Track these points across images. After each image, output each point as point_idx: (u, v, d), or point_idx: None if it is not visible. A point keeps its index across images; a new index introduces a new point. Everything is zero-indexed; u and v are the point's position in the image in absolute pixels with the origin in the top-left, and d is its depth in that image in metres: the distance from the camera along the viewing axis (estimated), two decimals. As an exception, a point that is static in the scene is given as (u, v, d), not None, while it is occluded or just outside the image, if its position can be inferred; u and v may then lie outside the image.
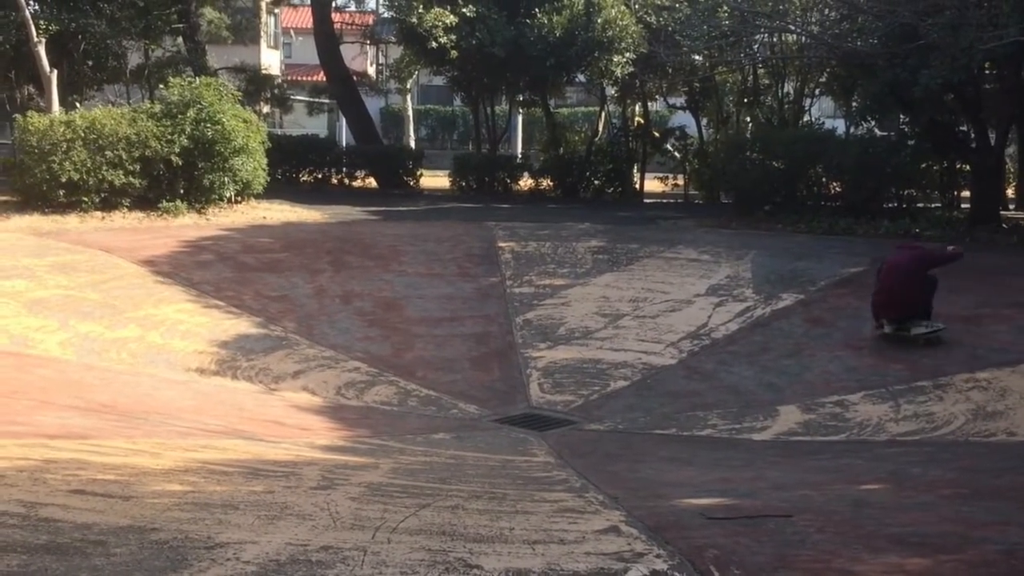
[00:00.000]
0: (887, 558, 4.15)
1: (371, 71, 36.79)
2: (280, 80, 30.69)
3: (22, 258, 12.85)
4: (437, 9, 21.62)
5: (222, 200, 17.89)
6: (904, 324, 10.93)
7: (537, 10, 21.82)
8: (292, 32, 43.93)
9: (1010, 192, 22.57)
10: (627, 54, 21.79)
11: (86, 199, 16.36)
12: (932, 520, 5.04)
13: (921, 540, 4.50)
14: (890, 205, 18.98)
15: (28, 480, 4.90)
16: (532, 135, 34.96)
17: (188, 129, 16.97)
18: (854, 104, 21.02)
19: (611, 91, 25.30)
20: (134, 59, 24.37)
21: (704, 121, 25.36)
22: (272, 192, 19.47)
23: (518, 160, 26.16)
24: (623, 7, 21.96)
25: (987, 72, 17.62)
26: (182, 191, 17.33)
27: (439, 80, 27.73)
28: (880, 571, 3.94)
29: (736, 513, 5.11)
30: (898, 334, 10.97)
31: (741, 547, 4.28)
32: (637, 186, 24.61)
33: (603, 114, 26.22)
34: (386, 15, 28.56)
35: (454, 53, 21.93)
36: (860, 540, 4.49)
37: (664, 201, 23.77)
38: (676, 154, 24.99)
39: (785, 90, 24.17)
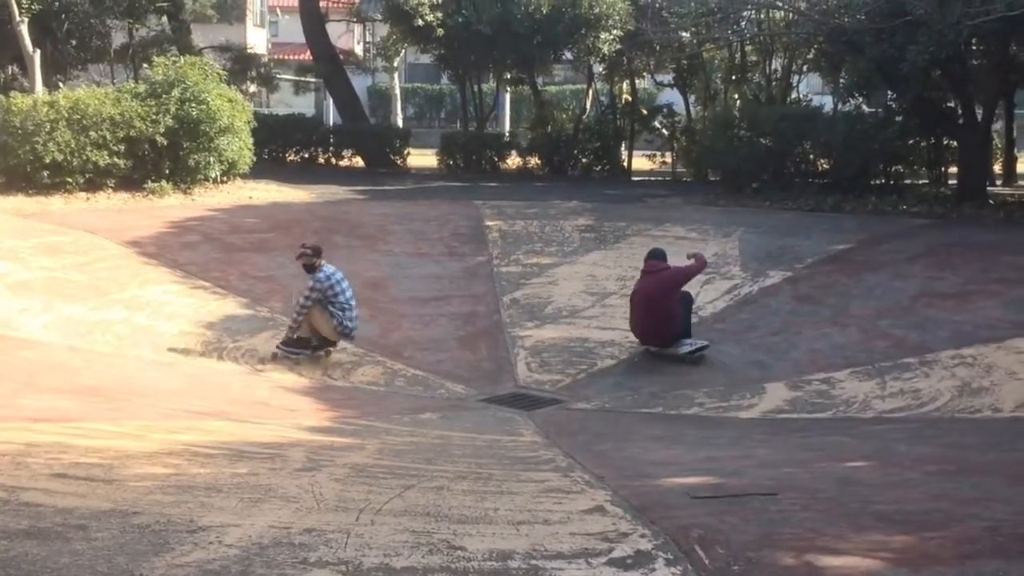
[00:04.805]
0: (871, 536, 4.15)
1: (358, 49, 36.57)
2: (266, 59, 30.48)
3: (5, 240, 12.76)
4: (423, -14, 21.50)
5: (208, 180, 17.79)
6: (667, 347, 10.68)
7: (524, -13, 21.72)
8: (278, 10, 43.58)
9: (997, 168, 22.58)
10: (614, 31, 21.70)
11: (70, 180, 16.24)
12: (917, 497, 5.05)
13: (906, 517, 4.51)
14: (878, 182, 18.99)
15: (10, 464, 4.86)
16: (520, 113, 34.81)
17: (173, 109, 16.85)
18: (842, 81, 20.99)
19: (599, 69, 25.20)
20: (118, 38, 24.14)
21: (692, 98, 25.29)
22: (258, 172, 19.37)
23: (506, 138, 26.06)
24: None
25: (974, 48, 17.58)
26: (167, 171, 17.22)
27: (426, 58, 27.57)
28: (864, 549, 3.94)
29: (721, 492, 5.11)
30: (664, 353, 10.69)
31: (726, 526, 4.28)
32: (625, 164, 24.55)
33: (591, 92, 26.12)
34: (372, -7, 28.39)
35: (440, 31, 21.82)
36: (845, 518, 4.49)
37: (652, 179, 23.73)
38: (664, 132, 24.91)
39: (773, 67, 24.11)
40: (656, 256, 10.87)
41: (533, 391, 9.96)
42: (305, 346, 10.20)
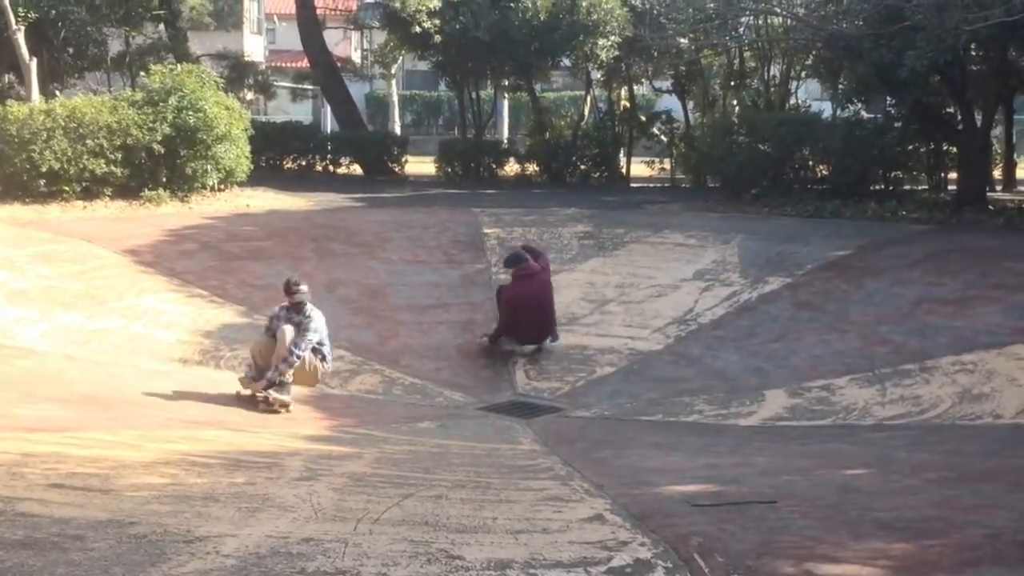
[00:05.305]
0: (871, 544, 4.13)
1: (355, 56, 36.58)
2: (263, 66, 30.45)
3: (2, 248, 12.73)
4: (420, -7, 21.50)
5: (205, 188, 17.75)
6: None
7: (521, -7, 21.73)
8: (275, 18, 43.61)
9: (996, 173, 22.58)
10: (612, 37, 21.69)
11: (67, 188, 16.21)
12: (917, 504, 5.03)
13: (906, 525, 4.49)
14: (877, 187, 18.97)
15: (6, 474, 4.84)
16: (518, 120, 34.79)
17: (170, 117, 16.81)
18: (840, 86, 20.98)
19: (597, 75, 25.19)
20: (115, 46, 24.06)
21: (690, 105, 25.27)
22: (256, 180, 19.35)
23: (504, 145, 26.01)
24: (608, -10, 21.85)
25: (973, 53, 17.59)
26: (164, 179, 17.18)
27: (424, 65, 27.55)
28: (864, 557, 3.92)
29: (721, 500, 5.10)
30: (543, 347, 11.16)
31: (725, 534, 4.26)
32: (623, 171, 24.51)
33: (589, 98, 26.11)
34: (369, 0, 28.42)
35: (438, 38, 21.81)
36: (844, 526, 4.47)
37: (651, 185, 23.72)
38: (663, 138, 24.88)
39: (771, 73, 24.08)
40: (526, 258, 11.21)
41: (532, 399, 9.94)
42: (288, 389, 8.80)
